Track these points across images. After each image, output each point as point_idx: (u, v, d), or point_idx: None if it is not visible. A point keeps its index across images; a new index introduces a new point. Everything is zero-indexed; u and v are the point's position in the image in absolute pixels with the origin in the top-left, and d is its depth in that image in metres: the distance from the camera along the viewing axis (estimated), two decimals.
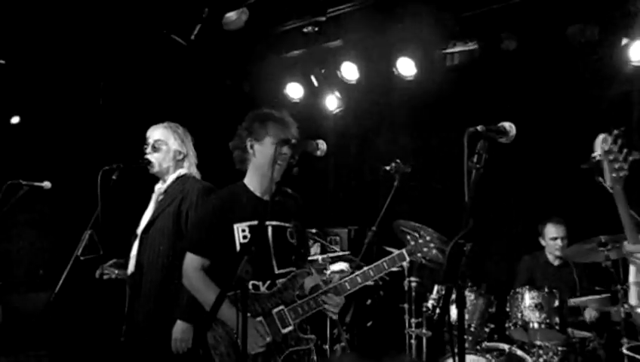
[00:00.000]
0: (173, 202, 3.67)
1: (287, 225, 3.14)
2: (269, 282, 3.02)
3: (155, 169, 3.83)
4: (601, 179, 2.60)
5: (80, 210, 4.19)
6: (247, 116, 3.23)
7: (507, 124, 2.29)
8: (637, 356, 4.25)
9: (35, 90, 5.50)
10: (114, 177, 3.71)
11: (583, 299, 4.87)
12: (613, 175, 2.46)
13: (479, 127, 2.19)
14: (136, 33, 5.20)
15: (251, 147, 3.14)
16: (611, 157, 2.46)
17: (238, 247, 3.00)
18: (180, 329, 3.32)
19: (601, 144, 2.48)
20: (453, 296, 1.99)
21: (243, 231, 3.02)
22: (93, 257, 3.78)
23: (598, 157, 2.53)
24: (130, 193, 4.10)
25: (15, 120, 5.72)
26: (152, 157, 3.81)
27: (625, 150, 2.48)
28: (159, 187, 3.85)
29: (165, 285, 3.51)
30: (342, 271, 5.35)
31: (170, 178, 3.82)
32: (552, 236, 5.38)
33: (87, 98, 5.82)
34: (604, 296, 4.77)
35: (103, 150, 5.25)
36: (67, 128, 5.69)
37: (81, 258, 3.73)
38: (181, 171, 3.83)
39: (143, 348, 3.54)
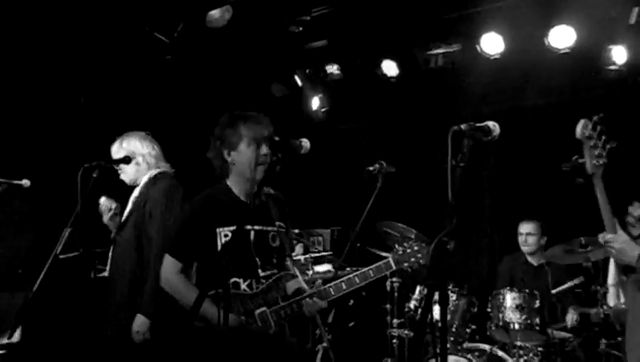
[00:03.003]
0: (140, 204, 3.77)
1: (269, 228, 3.11)
2: (249, 281, 3.00)
3: (132, 183, 3.96)
4: (581, 179, 2.61)
5: (60, 208, 4.14)
6: (218, 123, 3.12)
7: (491, 123, 2.29)
8: (616, 352, 4.30)
9: (13, 87, 5.41)
10: (94, 175, 3.69)
11: (564, 286, 4.91)
12: (594, 162, 2.47)
13: (463, 126, 2.19)
14: (119, 30, 5.14)
15: (228, 155, 3.06)
16: (592, 144, 2.47)
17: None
18: (138, 322, 3.52)
19: (582, 129, 2.49)
20: (436, 296, 1.98)
21: (226, 235, 2.99)
22: (73, 256, 3.75)
23: (567, 168, 2.53)
24: (111, 191, 4.06)
25: None
26: (124, 176, 3.95)
27: (604, 137, 2.49)
28: (136, 188, 3.94)
29: (134, 285, 3.64)
30: (327, 271, 5.33)
31: (143, 180, 3.88)
32: (519, 232, 5.50)
33: (68, 95, 5.75)
34: (579, 280, 4.83)
35: (83, 148, 5.18)
36: (47, 125, 5.61)
37: (61, 256, 3.68)
38: (153, 172, 3.88)
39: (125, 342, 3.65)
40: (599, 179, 2.50)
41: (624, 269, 2.70)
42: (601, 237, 2.62)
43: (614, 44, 4.94)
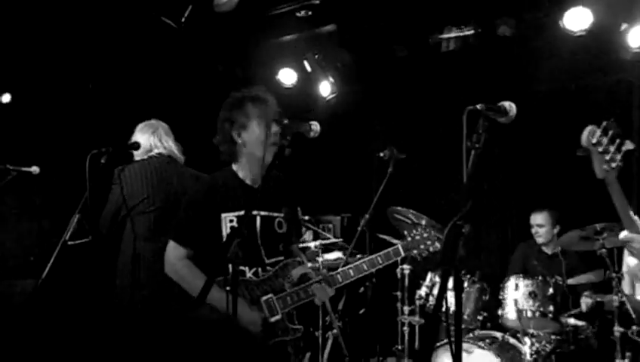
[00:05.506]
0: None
1: (275, 214, 3.06)
2: (254, 269, 2.96)
3: None
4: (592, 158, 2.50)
5: (68, 195, 4.14)
6: (224, 105, 3.08)
7: (507, 104, 2.22)
8: (637, 339, 4.23)
9: (22, 74, 5.40)
10: (102, 161, 3.68)
11: (581, 279, 4.85)
12: (604, 167, 2.35)
13: (479, 106, 2.12)
14: (126, 15, 5.10)
15: (239, 136, 3.01)
16: (600, 150, 2.35)
17: (224, 237, 2.92)
18: None
19: (587, 136, 2.36)
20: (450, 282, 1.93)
21: (231, 221, 2.95)
22: (82, 242, 3.74)
23: (581, 153, 2.42)
24: None
25: (6, 98, 5.58)
26: None
27: (617, 140, 2.37)
28: None
29: (134, 264, 3.76)
30: (337, 258, 5.30)
31: None
32: (531, 223, 5.45)
33: (76, 81, 5.73)
34: (597, 271, 4.78)
35: (91, 134, 5.18)
36: (56, 112, 5.60)
37: (69, 243, 3.68)
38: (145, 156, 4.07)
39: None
40: (614, 181, 2.37)
41: None
42: (621, 236, 2.54)
43: (631, 25, 4.83)
